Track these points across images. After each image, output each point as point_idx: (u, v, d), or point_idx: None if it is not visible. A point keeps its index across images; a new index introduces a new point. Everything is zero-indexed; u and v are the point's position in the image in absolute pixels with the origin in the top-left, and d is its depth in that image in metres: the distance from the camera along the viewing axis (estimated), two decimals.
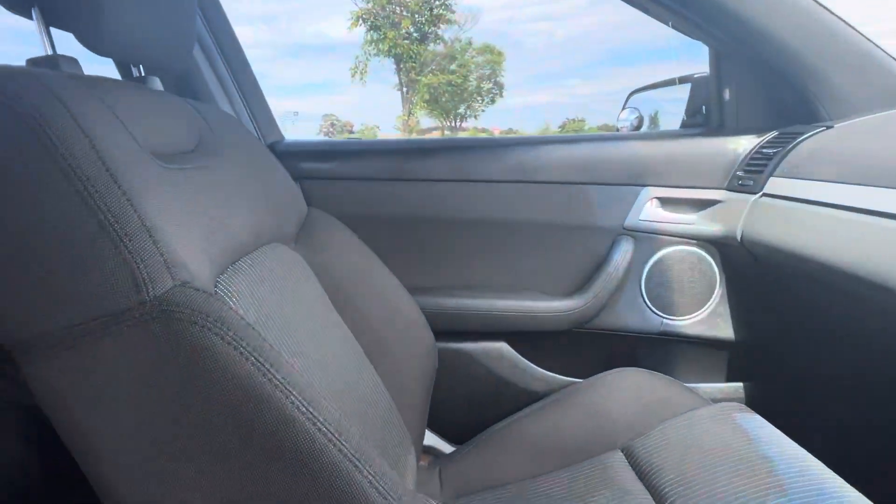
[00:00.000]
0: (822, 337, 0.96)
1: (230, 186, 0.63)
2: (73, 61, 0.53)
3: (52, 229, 0.36)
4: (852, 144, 0.83)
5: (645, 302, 1.06)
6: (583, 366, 1.04)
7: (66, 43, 0.54)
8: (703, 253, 1.04)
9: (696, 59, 1.06)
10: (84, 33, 0.50)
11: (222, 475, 0.38)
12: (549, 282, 1.06)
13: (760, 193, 0.92)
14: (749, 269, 1.00)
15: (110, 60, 0.71)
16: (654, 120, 1.60)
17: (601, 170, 1.02)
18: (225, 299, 0.47)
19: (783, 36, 0.85)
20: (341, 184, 1.03)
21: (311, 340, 0.64)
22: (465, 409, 1.06)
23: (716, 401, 0.88)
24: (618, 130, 1.30)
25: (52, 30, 0.54)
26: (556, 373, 1.07)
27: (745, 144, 0.99)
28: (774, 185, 0.91)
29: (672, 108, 1.27)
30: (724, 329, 1.05)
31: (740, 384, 1.07)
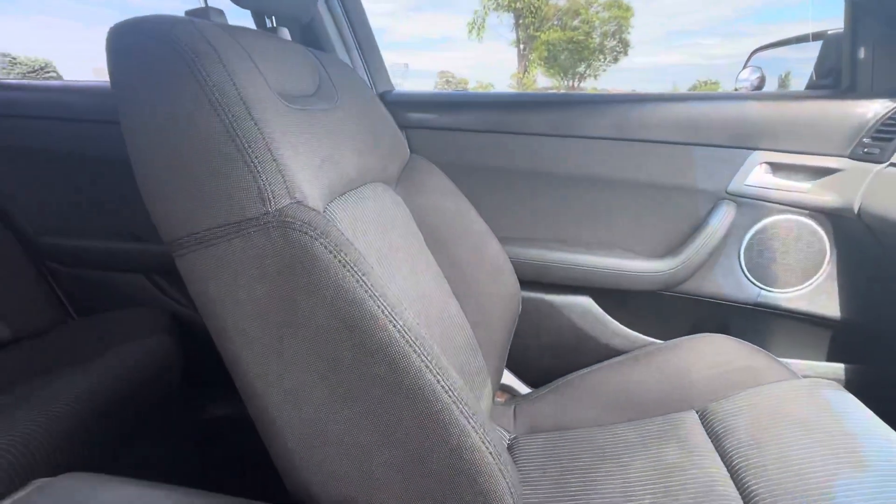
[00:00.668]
0: None
1: (342, 128, 0.70)
2: (220, 13, 0.62)
3: (199, 149, 0.45)
4: None
5: (742, 271, 1.02)
6: (668, 329, 1.04)
7: None
8: (815, 224, 0.98)
9: None
10: None
11: (318, 368, 0.46)
12: (640, 242, 1.06)
13: (886, 164, 0.85)
14: (865, 244, 0.94)
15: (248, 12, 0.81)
16: (783, 82, 1.48)
17: (707, 130, 0.98)
18: (332, 220, 0.55)
19: None
20: (443, 133, 1.09)
21: (403, 271, 0.71)
22: (544, 356, 1.10)
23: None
24: (736, 90, 1.23)
25: None
26: (639, 332, 1.08)
27: (876, 109, 0.91)
28: None
29: (806, 69, 1.17)
30: (830, 306, 0.99)
31: (841, 365, 1.01)
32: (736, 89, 1.21)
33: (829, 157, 0.94)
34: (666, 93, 1.11)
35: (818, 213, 0.97)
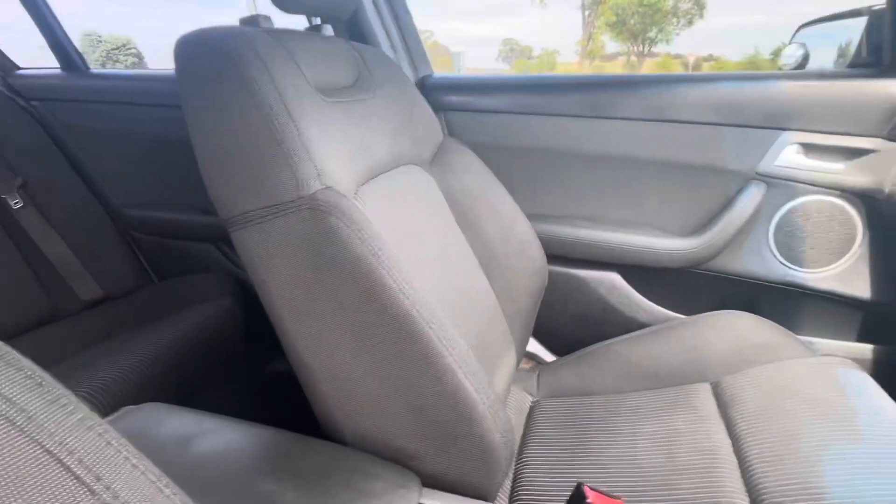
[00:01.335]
0: None
1: (378, 116, 0.78)
2: (268, 18, 0.71)
3: (247, 143, 0.55)
4: None
5: (770, 250, 1.04)
6: (695, 305, 1.07)
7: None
8: (847, 205, 0.98)
9: None
10: None
11: (342, 327, 0.55)
12: (669, 220, 1.09)
13: None
14: None
15: None
16: (843, 55, 1.43)
17: (739, 111, 0.99)
18: (356, 202, 0.63)
19: None
20: (480, 115, 1.15)
21: (432, 246, 0.79)
22: (570, 327, 1.16)
23: None
24: (780, 68, 1.20)
25: None
26: (666, 308, 1.11)
27: None
28: None
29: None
30: (860, 287, 0.99)
31: (870, 346, 1.01)
32: (780, 66, 1.19)
33: (864, 138, 0.93)
34: (697, 73, 1.12)
35: (850, 194, 0.97)
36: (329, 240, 0.53)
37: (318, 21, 0.86)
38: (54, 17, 1.36)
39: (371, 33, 1.10)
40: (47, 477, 0.22)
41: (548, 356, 1.16)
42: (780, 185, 1.00)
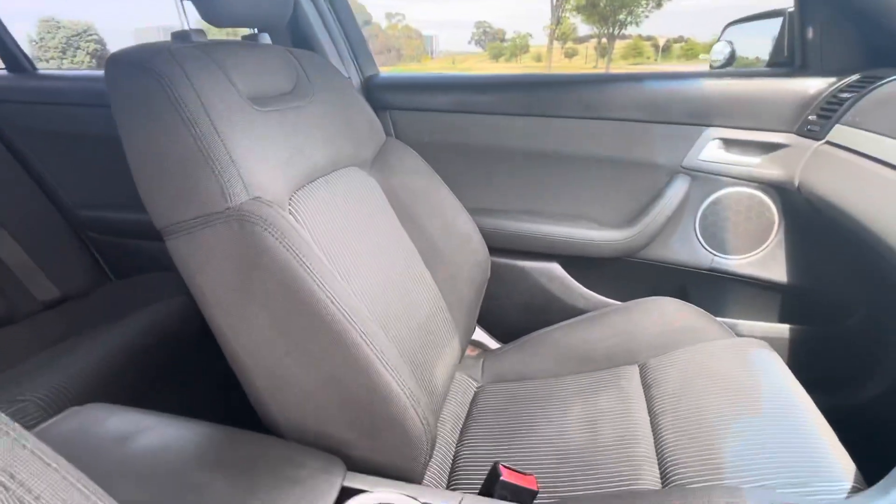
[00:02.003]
0: (869, 294, 0.95)
1: (315, 121, 0.82)
2: (201, 32, 0.74)
3: (175, 157, 0.58)
4: None
5: (698, 239, 1.11)
6: (630, 291, 1.14)
7: None
8: (764, 196, 1.05)
9: None
10: (203, 9, 0.70)
11: (272, 329, 0.59)
12: (603, 213, 1.15)
13: (823, 141, 0.92)
14: (808, 215, 1.01)
15: None
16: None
17: (664, 109, 1.05)
18: (288, 208, 0.67)
19: None
20: (424, 114, 1.18)
21: (371, 245, 0.83)
22: (515, 315, 1.22)
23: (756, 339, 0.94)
24: (710, 64, 1.27)
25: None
26: (603, 295, 1.18)
27: (821, 87, 0.96)
28: (838, 133, 0.89)
29: None
30: (777, 272, 1.07)
31: (786, 326, 1.10)
32: (711, 64, 1.25)
33: (777, 133, 1.00)
34: (626, 73, 1.17)
35: (767, 185, 1.04)
36: (256, 248, 0.57)
37: (255, 30, 0.88)
38: None
39: (314, 38, 1.13)
40: None
41: (493, 344, 1.22)
42: (704, 178, 1.07)
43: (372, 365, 0.58)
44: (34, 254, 1.28)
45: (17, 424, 0.31)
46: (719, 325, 0.98)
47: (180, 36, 0.71)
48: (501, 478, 0.60)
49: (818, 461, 0.66)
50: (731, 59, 1.19)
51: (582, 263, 1.17)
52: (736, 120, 1.03)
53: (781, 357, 0.89)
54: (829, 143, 0.90)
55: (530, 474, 0.64)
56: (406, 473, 0.63)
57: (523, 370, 1.03)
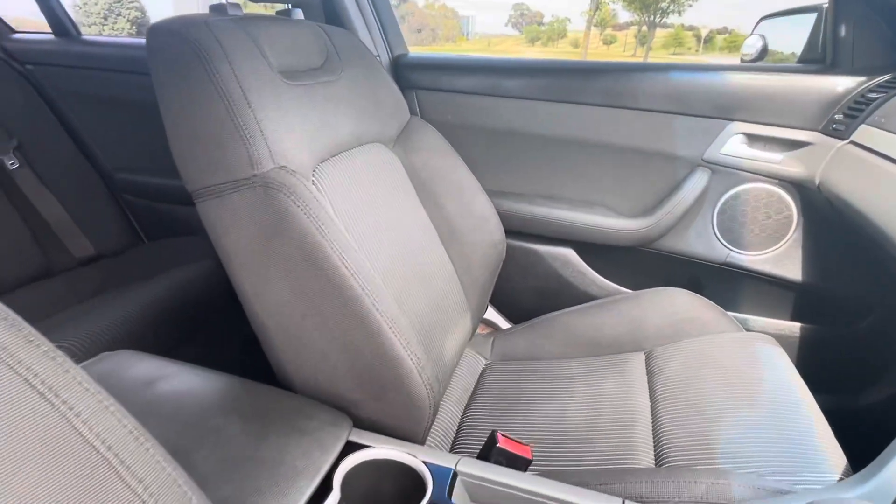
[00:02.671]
0: (883, 298, 0.95)
1: (342, 96, 0.84)
2: (237, 6, 0.77)
3: (209, 125, 0.62)
4: None
5: (714, 233, 1.11)
6: (642, 281, 1.15)
7: None
8: (784, 193, 1.05)
9: None
10: None
11: (292, 291, 0.63)
12: (621, 201, 1.16)
13: (848, 140, 0.91)
14: (827, 215, 1.01)
15: None
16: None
17: (689, 101, 1.05)
18: (311, 179, 0.71)
19: None
20: (449, 95, 1.20)
21: (389, 219, 0.86)
22: (527, 297, 1.25)
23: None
24: (741, 58, 1.25)
25: None
26: (615, 283, 1.19)
27: (850, 86, 0.95)
28: (863, 133, 0.89)
29: None
30: (792, 270, 1.07)
31: (798, 324, 1.10)
32: (742, 58, 1.24)
33: (802, 131, 1.00)
34: (654, 63, 1.17)
35: (787, 183, 1.04)
36: (279, 214, 0.60)
37: (288, 5, 0.91)
38: None
39: (346, 15, 1.15)
40: (13, 388, 0.30)
41: (504, 324, 1.25)
42: (725, 172, 1.07)
43: (381, 330, 0.62)
44: (73, 212, 1.35)
45: (62, 353, 0.35)
46: (729, 319, 0.98)
47: (217, 8, 0.74)
48: (498, 444, 0.63)
49: (810, 453, 0.68)
50: (763, 53, 1.17)
51: (597, 250, 1.18)
52: (761, 115, 1.02)
53: (790, 355, 0.90)
54: (853, 143, 0.90)
55: (527, 444, 0.67)
56: (409, 435, 0.67)
57: (532, 350, 1.06)
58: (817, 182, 0.96)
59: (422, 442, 0.70)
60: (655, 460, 0.73)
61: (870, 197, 0.81)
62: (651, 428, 0.79)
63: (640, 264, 1.19)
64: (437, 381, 0.68)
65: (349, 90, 0.87)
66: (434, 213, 0.99)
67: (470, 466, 0.59)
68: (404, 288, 0.82)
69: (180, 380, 0.62)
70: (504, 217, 1.10)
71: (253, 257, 0.64)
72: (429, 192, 0.99)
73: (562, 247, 1.20)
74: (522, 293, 1.25)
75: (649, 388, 0.87)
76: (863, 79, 0.95)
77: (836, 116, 0.96)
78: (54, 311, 1.13)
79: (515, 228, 1.19)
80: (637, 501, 0.58)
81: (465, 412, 0.91)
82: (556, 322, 1.08)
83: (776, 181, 1.04)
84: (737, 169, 1.06)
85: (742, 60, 1.24)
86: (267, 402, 0.61)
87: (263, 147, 0.62)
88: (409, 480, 0.56)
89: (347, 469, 0.54)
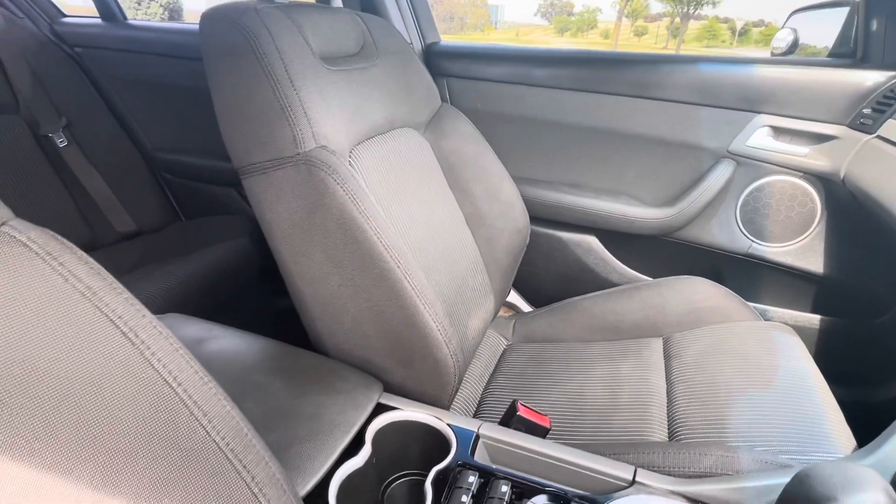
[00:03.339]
0: None
1: (377, 82, 0.88)
2: None
3: (256, 106, 0.66)
4: None
5: (737, 224, 1.13)
6: (663, 270, 1.17)
7: None
8: (808, 186, 1.06)
9: None
10: None
11: (330, 262, 0.67)
12: (645, 191, 1.18)
13: (874, 135, 0.92)
14: (851, 209, 1.01)
15: None
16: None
17: (717, 92, 1.06)
18: (348, 159, 0.75)
19: None
20: (479, 83, 1.23)
21: (419, 201, 0.90)
22: (549, 282, 1.28)
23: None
24: (772, 51, 1.25)
25: None
26: (637, 271, 1.22)
27: (880, 80, 0.95)
28: (890, 128, 0.90)
29: None
30: (814, 262, 1.08)
31: (818, 317, 1.11)
32: (772, 51, 1.24)
33: (829, 125, 1.00)
34: (682, 54, 1.18)
35: (812, 176, 1.04)
36: (319, 190, 0.65)
37: None
38: None
39: (381, 3, 1.19)
40: (100, 326, 0.35)
41: (526, 307, 1.28)
42: (749, 164, 1.08)
43: (411, 301, 0.66)
44: (116, 189, 1.41)
45: (138, 301, 0.40)
46: (748, 309, 1.00)
47: None
48: (518, 412, 0.67)
49: (820, 435, 0.70)
50: (794, 46, 1.17)
51: (619, 238, 1.21)
52: (788, 108, 1.03)
53: (808, 346, 0.91)
54: (879, 137, 0.91)
55: (546, 415, 0.71)
56: (435, 400, 0.71)
57: (552, 333, 1.09)
58: (842, 176, 0.96)
59: (446, 408, 0.74)
60: (669, 436, 0.76)
61: (893, 191, 0.82)
62: (666, 407, 0.82)
63: (662, 253, 1.21)
64: (461, 352, 0.72)
65: (383, 76, 0.91)
66: (461, 198, 1.02)
67: (491, 430, 0.63)
68: (432, 266, 0.86)
69: (226, 341, 0.67)
70: (529, 203, 1.12)
71: (294, 230, 0.68)
72: (457, 176, 1.02)
73: (585, 234, 1.23)
74: (545, 278, 1.28)
75: (666, 371, 0.90)
76: (893, 73, 0.95)
77: (864, 111, 0.96)
78: None
79: (540, 215, 1.21)
80: (649, 469, 0.61)
81: (486, 387, 0.95)
82: (577, 307, 1.11)
83: (801, 174, 1.05)
84: (762, 161, 1.07)
85: (772, 54, 1.23)
86: (305, 364, 0.66)
87: (307, 127, 0.67)
88: (434, 441, 0.60)
89: (378, 427, 0.58)
